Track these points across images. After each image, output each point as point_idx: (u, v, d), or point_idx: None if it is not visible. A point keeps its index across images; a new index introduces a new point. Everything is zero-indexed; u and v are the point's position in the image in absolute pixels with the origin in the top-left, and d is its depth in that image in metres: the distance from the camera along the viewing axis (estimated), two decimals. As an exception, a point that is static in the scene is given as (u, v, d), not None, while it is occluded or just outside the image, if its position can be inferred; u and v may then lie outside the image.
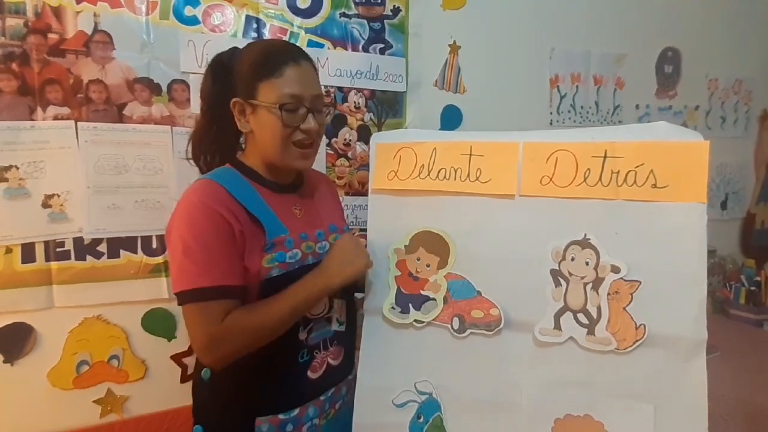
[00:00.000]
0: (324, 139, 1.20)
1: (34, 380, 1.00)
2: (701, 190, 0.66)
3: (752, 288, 1.56)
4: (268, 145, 0.73)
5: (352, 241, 0.78)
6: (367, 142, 1.24)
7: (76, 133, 0.99)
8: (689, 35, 1.65)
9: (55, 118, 0.98)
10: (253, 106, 0.72)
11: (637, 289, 0.68)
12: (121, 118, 1.02)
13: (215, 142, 0.79)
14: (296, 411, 0.75)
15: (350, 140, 1.24)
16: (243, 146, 0.81)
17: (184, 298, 0.67)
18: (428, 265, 0.80)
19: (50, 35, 0.96)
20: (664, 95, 1.67)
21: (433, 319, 0.78)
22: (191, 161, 0.81)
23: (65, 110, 0.98)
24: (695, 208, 0.66)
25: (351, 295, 0.86)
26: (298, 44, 1.15)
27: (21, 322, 0.99)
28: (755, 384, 1.15)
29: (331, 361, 0.80)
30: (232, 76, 0.74)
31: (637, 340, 0.67)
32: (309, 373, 0.77)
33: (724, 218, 1.83)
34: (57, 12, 0.96)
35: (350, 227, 1.22)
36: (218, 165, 0.78)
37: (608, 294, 0.69)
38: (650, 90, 1.64)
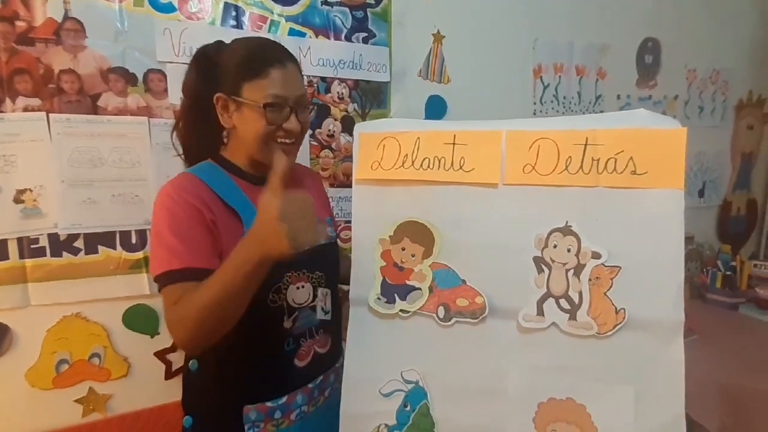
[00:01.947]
0: (308, 131, 1.19)
1: (12, 381, 0.98)
2: (679, 177, 0.67)
3: (728, 273, 1.61)
4: (250, 142, 0.74)
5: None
6: (350, 133, 1.23)
7: (48, 125, 0.96)
8: (669, 26, 1.68)
9: (25, 109, 0.94)
10: (238, 104, 0.72)
11: (617, 274, 0.69)
12: (95, 110, 0.99)
13: (198, 135, 0.79)
14: (284, 398, 0.75)
15: (334, 131, 1.22)
16: (225, 141, 0.80)
17: (159, 282, 0.67)
18: (413, 255, 0.80)
19: (18, 23, 0.92)
20: (645, 85, 1.70)
21: (418, 309, 0.78)
22: (182, 156, 0.81)
23: (36, 101, 0.95)
24: (673, 194, 0.67)
25: (335, 284, 0.87)
26: (278, 34, 1.13)
27: (-4, 322, 0.96)
28: (732, 366, 1.19)
29: (318, 349, 0.81)
30: (217, 72, 0.74)
31: (617, 324, 0.68)
32: (296, 361, 0.77)
33: (701, 205, 1.88)
34: (24, -2, 0.92)
35: (335, 218, 1.22)
36: (204, 158, 0.78)
37: (589, 280, 0.70)
38: (631, 80, 1.67)
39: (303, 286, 0.78)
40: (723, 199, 1.93)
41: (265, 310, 0.73)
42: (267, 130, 0.72)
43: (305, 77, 1.15)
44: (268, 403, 0.74)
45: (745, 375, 1.14)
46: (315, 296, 0.80)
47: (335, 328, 0.86)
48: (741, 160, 1.95)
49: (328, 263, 0.85)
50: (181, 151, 0.81)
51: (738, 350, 1.28)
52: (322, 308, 0.81)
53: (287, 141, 0.74)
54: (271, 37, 1.11)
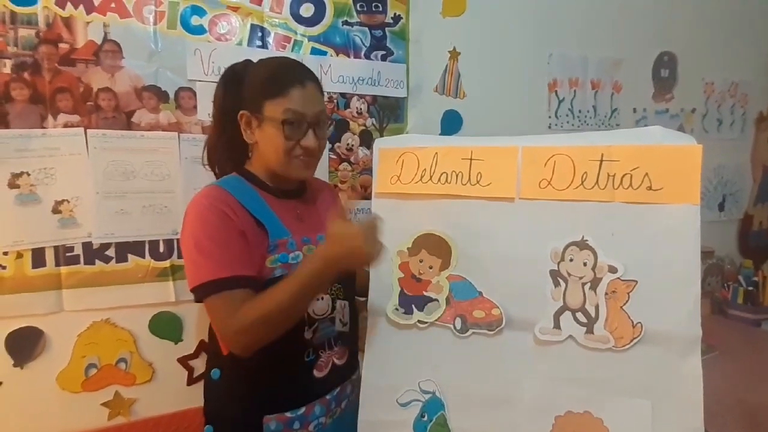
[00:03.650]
0: (327, 145, 1.22)
1: (44, 383, 1.02)
2: (695, 193, 0.68)
3: (750, 288, 1.58)
4: (271, 157, 0.77)
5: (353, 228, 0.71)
6: (369, 147, 1.26)
7: (86, 140, 1.01)
8: (684, 39, 1.67)
9: (66, 125, 1.00)
10: (259, 120, 0.76)
11: (633, 288, 0.70)
12: (129, 126, 1.04)
13: (227, 149, 0.83)
14: (303, 409, 0.77)
15: (353, 145, 1.26)
16: (250, 155, 0.84)
17: (203, 291, 0.69)
18: (431, 267, 0.82)
19: (61, 45, 0.99)
20: (661, 99, 1.69)
21: (435, 320, 0.80)
22: (207, 167, 0.86)
23: (75, 118, 1.00)
24: (689, 209, 0.68)
25: (353, 297, 0.88)
26: (301, 53, 1.17)
27: (31, 326, 1.00)
28: (753, 383, 1.17)
29: (336, 361, 0.82)
30: (243, 89, 0.78)
31: (634, 338, 0.69)
32: (315, 372, 0.79)
33: (722, 219, 1.84)
34: (68, 22, 0.99)
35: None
36: (231, 171, 0.82)
37: (606, 293, 0.71)
38: (647, 94, 1.66)
39: (322, 298, 0.80)
40: (744, 212, 1.89)
41: None
42: (286, 145, 0.75)
43: (326, 93, 1.20)
44: (288, 414, 0.76)
45: (767, 392, 1.12)
46: (334, 308, 0.81)
47: (352, 340, 0.87)
48: (762, 173, 1.92)
49: (346, 276, 0.84)
50: (206, 161, 0.85)
51: (760, 367, 1.25)
52: (341, 320, 0.83)
53: (306, 156, 0.77)
54: (294, 56, 1.16)
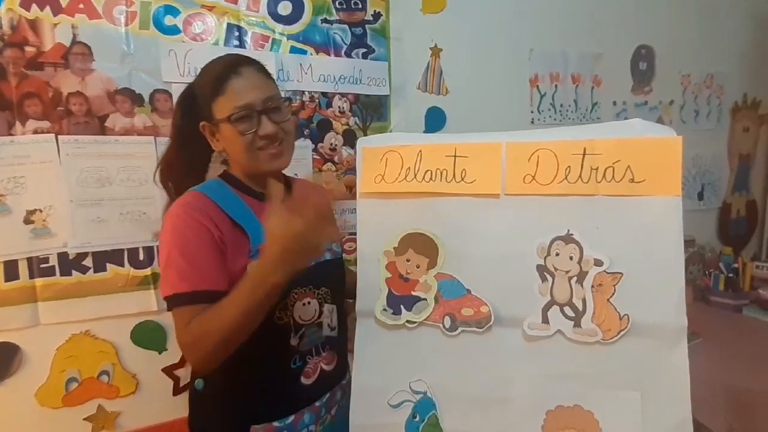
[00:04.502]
0: (310, 144, 1.21)
1: (22, 400, 0.99)
2: (676, 184, 0.69)
3: (730, 275, 1.62)
4: (238, 158, 0.75)
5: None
6: (352, 147, 1.25)
7: (57, 146, 0.98)
8: (661, 33, 1.70)
9: (35, 132, 0.96)
10: (215, 125, 0.75)
11: (619, 280, 0.70)
12: (103, 130, 1.01)
13: (186, 166, 0.82)
14: (291, 418, 0.75)
15: (336, 145, 1.24)
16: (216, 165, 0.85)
17: (170, 302, 0.68)
18: (418, 266, 0.81)
19: (27, 48, 0.95)
20: (640, 92, 1.72)
21: (424, 319, 0.79)
22: (158, 184, 0.84)
23: (45, 124, 0.97)
24: (671, 201, 0.69)
25: (341, 300, 0.87)
26: (280, 52, 1.15)
27: (6, 342, 0.97)
28: (737, 368, 1.19)
29: (325, 366, 0.81)
30: (195, 103, 0.77)
31: (621, 330, 0.69)
32: (302, 379, 0.77)
33: (701, 208, 1.88)
34: (34, 25, 0.95)
35: (339, 231, 1.23)
36: (189, 187, 0.78)
37: (592, 287, 0.71)
38: (626, 87, 1.69)
39: (309, 303, 0.78)
40: (722, 201, 1.94)
41: (272, 327, 0.72)
42: (244, 140, 0.72)
43: (307, 93, 1.18)
44: (275, 423, 0.74)
45: (751, 376, 1.14)
46: (321, 312, 0.80)
47: (341, 344, 0.85)
48: (738, 162, 1.96)
49: (333, 279, 0.85)
50: (158, 180, 0.83)
51: (743, 352, 1.28)
52: (329, 324, 0.81)
53: (271, 145, 0.74)
54: (273, 55, 1.14)
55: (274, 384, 0.75)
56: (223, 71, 0.73)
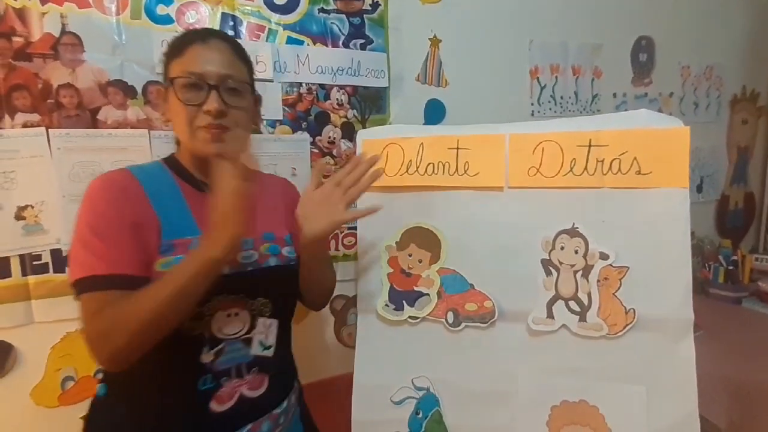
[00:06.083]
0: (307, 138, 1.18)
1: (17, 400, 0.97)
2: (683, 176, 0.68)
3: (730, 267, 1.62)
4: (178, 130, 0.68)
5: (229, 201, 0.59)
6: (351, 140, 1.23)
7: (48, 140, 0.95)
8: (661, 24, 1.69)
9: (25, 125, 0.93)
10: (165, 89, 0.69)
11: (625, 274, 0.69)
12: (94, 123, 0.98)
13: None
14: None
15: (334, 138, 1.22)
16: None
17: (78, 287, 0.60)
18: (420, 261, 0.80)
19: (15, 39, 0.92)
20: (640, 83, 1.70)
21: (427, 315, 0.78)
22: None
23: (35, 117, 0.94)
24: (678, 193, 0.68)
25: (287, 314, 0.76)
26: (276, 42, 1.12)
27: (0, 341, 0.95)
28: (737, 360, 1.19)
29: (247, 392, 0.67)
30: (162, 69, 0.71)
31: (627, 325, 0.68)
32: (212, 404, 0.64)
33: (700, 201, 1.88)
34: (21, 14, 0.92)
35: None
36: None
37: (598, 281, 0.70)
38: (627, 78, 1.67)
39: (237, 314, 0.66)
40: (721, 193, 1.94)
41: (178, 338, 0.60)
42: (187, 112, 0.65)
43: (305, 85, 1.16)
44: None
45: (751, 369, 1.15)
46: (253, 327, 0.68)
47: (278, 367, 0.72)
48: (737, 154, 1.96)
49: (279, 289, 0.72)
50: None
51: (743, 344, 1.29)
52: (261, 342, 0.69)
53: (213, 124, 0.65)
54: (269, 46, 1.11)
55: (177, 406, 0.64)
56: (191, 36, 0.68)
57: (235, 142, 0.67)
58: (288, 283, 0.75)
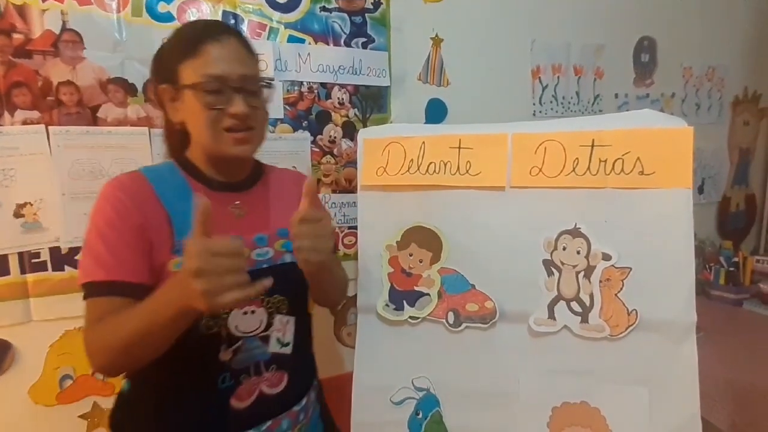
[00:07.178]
0: (308, 137, 1.18)
1: (15, 398, 0.96)
2: (687, 176, 0.67)
3: (731, 269, 1.61)
4: (199, 134, 0.66)
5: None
6: (352, 139, 1.22)
7: (48, 137, 0.94)
8: (664, 24, 1.68)
9: (24, 122, 0.93)
10: (177, 91, 0.65)
11: (627, 275, 0.69)
12: (95, 121, 0.98)
13: (167, 137, 0.74)
14: None
15: (335, 137, 1.22)
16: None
17: (85, 291, 0.61)
18: (421, 261, 0.79)
19: (15, 35, 0.91)
20: (642, 84, 1.70)
21: (428, 315, 0.78)
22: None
23: (35, 114, 0.93)
24: (681, 193, 0.68)
25: (303, 311, 0.75)
26: (277, 41, 1.12)
27: (-3, 338, 0.94)
28: (739, 362, 1.19)
29: (266, 389, 0.68)
30: (161, 65, 0.69)
31: (630, 326, 0.68)
32: (233, 402, 0.65)
33: (701, 202, 1.88)
34: (21, 11, 0.91)
35: (339, 225, 1.21)
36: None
37: (600, 281, 0.70)
38: (628, 79, 1.67)
39: (253, 312, 0.66)
40: (722, 195, 1.93)
41: (197, 337, 0.61)
42: (209, 116, 0.63)
43: (305, 83, 1.15)
44: None
45: (753, 370, 1.14)
46: (270, 324, 0.68)
47: (297, 363, 0.72)
48: (738, 155, 1.96)
49: (294, 286, 0.71)
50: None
51: (744, 346, 1.28)
52: (279, 339, 0.69)
53: (238, 129, 0.65)
54: (270, 44, 1.11)
55: (197, 404, 0.64)
56: (201, 33, 0.64)
57: (258, 142, 0.69)
58: (304, 280, 0.73)
